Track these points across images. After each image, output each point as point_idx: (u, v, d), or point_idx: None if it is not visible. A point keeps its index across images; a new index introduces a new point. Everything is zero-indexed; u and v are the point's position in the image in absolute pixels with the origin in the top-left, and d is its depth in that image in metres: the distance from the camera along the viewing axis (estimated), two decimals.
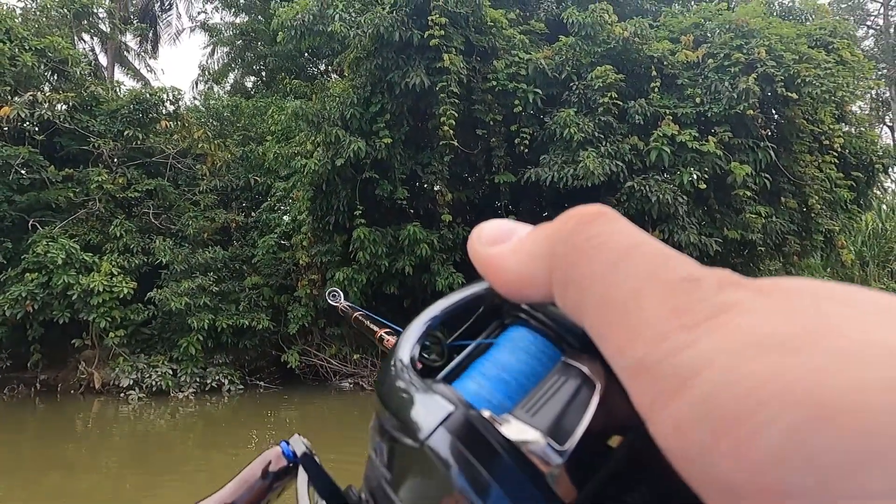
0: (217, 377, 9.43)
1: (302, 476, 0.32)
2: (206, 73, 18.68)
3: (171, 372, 9.21)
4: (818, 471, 0.13)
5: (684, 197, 7.50)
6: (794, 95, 7.50)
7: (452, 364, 0.26)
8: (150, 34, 17.15)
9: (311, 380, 10.23)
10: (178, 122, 11.29)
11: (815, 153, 8.57)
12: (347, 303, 1.46)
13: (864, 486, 0.13)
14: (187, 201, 11.02)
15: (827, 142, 8.54)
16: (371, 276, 8.75)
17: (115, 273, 9.12)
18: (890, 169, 9.24)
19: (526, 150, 8.49)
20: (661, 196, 7.38)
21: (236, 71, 17.95)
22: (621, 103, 7.96)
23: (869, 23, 27.96)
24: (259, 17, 15.64)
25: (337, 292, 1.55)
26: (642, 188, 7.49)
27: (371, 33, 7.72)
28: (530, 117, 8.48)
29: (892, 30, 26.68)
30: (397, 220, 8.84)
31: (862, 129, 9.75)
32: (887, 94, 24.72)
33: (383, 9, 7.80)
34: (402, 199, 8.71)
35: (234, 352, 9.94)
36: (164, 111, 11.11)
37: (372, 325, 1.22)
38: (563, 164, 7.82)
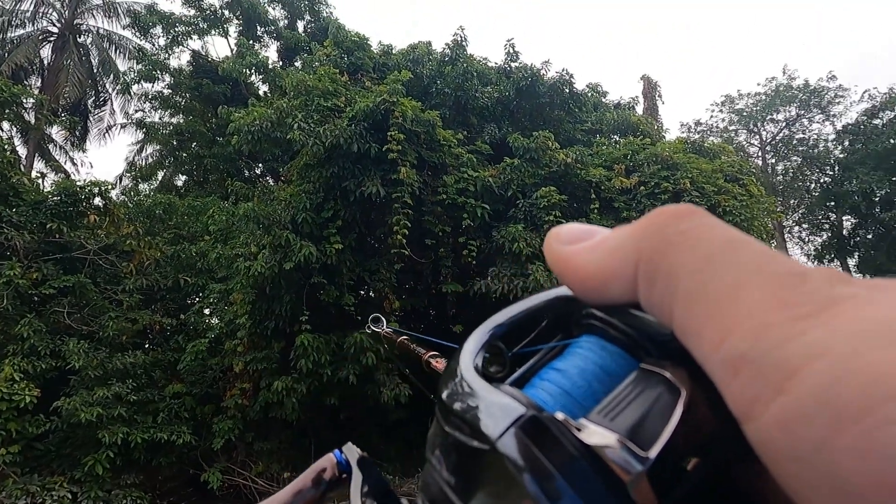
0: (124, 501, 8.30)
1: (356, 481, 0.30)
2: (134, 168, 18.18)
3: (70, 496, 8.00)
4: None
5: None
6: None
7: (519, 371, 0.24)
8: (79, 128, 16.66)
9: (232, 502, 9.22)
10: (107, 217, 10.75)
11: None
12: (390, 328, 1.41)
13: None
14: (108, 300, 10.23)
15: None
16: (311, 385, 8.31)
17: (17, 379, 8.10)
18: None
19: (473, 262, 8.71)
20: None
21: (168, 169, 17.61)
22: (564, 221, 8.45)
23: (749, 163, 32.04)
24: (198, 118, 15.70)
25: (379, 317, 1.50)
26: None
27: (329, 143, 7.92)
28: (478, 230, 8.80)
29: (769, 170, 30.57)
30: (342, 326, 8.60)
31: None
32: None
33: (342, 121, 8.09)
34: (349, 306, 8.55)
35: (146, 470, 8.87)
36: (92, 205, 10.58)
37: (418, 348, 1.16)
38: (512, 277, 8.06)
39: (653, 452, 0.18)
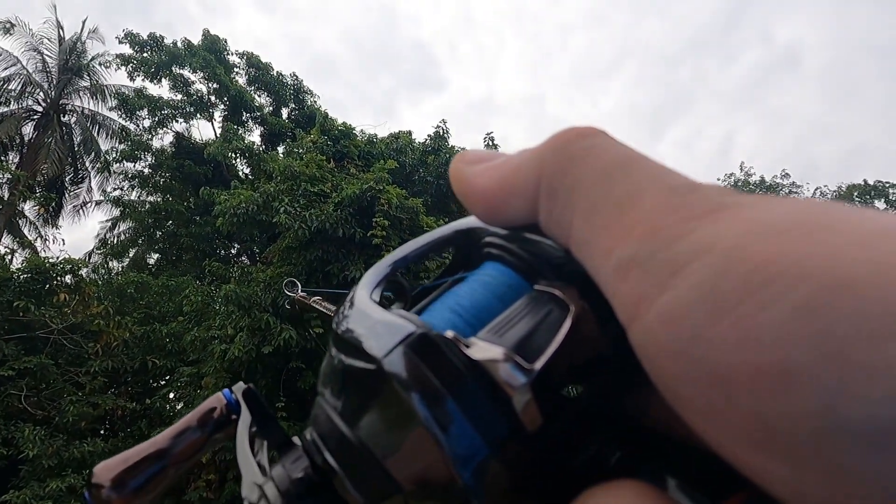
0: None
1: (244, 419, 0.29)
2: (105, 245, 17.90)
3: None
4: (831, 344, 0.12)
5: None
6: None
7: (419, 305, 0.24)
8: (53, 204, 16.49)
9: None
10: (77, 296, 10.45)
11: None
12: (304, 292, 1.39)
13: (886, 356, 0.12)
14: (69, 382, 9.75)
15: None
16: None
17: None
18: None
19: None
20: None
21: (140, 247, 17.39)
22: None
23: None
24: (177, 198, 15.75)
25: (295, 282, 1.46)
26: None
27: (315, 227, 8.01)
28: None
29: None
30: None
31: None
32: None
33: (329, 206, 8.23)
34: None
35: None
36: (63, 283, 10.31)
37: (331, 305, 1.13)
38: None
39: (538, 364, 0.18)
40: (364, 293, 0.24)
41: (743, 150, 62.71)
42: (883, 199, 30.08)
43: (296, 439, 0.25)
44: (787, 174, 33.00)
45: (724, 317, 0.14)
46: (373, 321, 0.21)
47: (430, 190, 10.57)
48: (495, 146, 11.66)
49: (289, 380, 8.11)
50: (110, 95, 15.64)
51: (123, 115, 14.99)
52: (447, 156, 10.58)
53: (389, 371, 0.19)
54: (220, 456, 8.28)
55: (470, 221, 0.26)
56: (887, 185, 30.18)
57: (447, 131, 11.17)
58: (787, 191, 32.53)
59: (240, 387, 0.33)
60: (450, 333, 0.19)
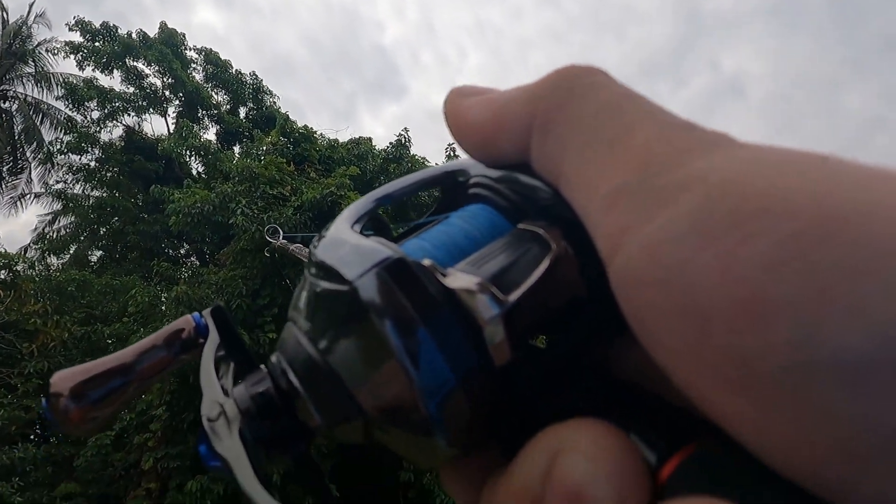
0: None
1: (211, 340, 0.29)
2: (43, 240, 17.02)
3: None
4: (816, 280, 0.12)
5: None
6: None
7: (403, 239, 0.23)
8: None
9: None
10: (12, 292, 9.90)
11: None
12: (284, 240, 1.37)
13: (869, 294, 0.12)
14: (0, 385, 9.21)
15: None
16: (229, 486, 7.67)
17: None
18: None
19: None
20: None
21: (82, 243, 16.62)
22: None
23: None
24: (124, 194, 15.17)
25: (277, 229, 1.45)
26: None
27: (273, 230, 7.87)
28: None
29: None
30: None
31: None
32: None
33: (288, 210, 8.11)
34: None
35: None
36: None
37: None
38: None
39: (512, 296, 0.18)
40: (344, 223, 0.23)
41: None
42: None
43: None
44: None
45: (709, 246, 0.14)
46: (349, 245, 0.21)
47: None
48: (456, 156, 11.75)
49: None
50: (57, 84, 14.95)
51: (70, 106, 14.34)
52: (408, 165, 10.61)
53: (362, 294, 0.18)
54: (163, 464, 7.98)
55: (459, 163, 0.26)
56: None
57: (409, 140, 11.20)
58: None
59: (209, 311, 0.32)
60: (427, 262, 0.19)
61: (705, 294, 0.13)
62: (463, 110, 0.23)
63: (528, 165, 0.21)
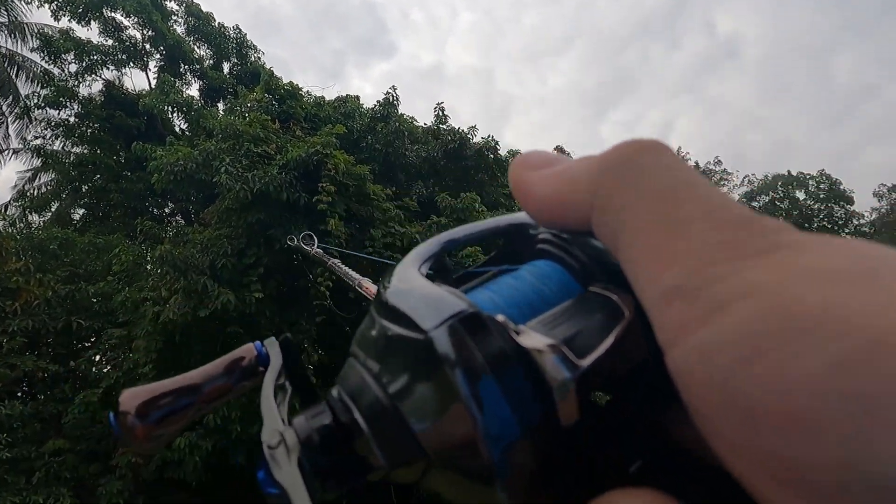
0: None
1: (273, 367, 0.30)
2: (24, 197, 16.70)
3: None
4: (862, 402, 0.12)
5: None
6: None
7: (463, 287, 0.24)
8: None
9: None
10: None
11: None
12: (320, 248, 1.35)
13: None
14: None
15: None
16: (218, 442, 7.77)
17: None
18: None
19: None
20: None
21: (64, 201, 16.33)
22: None
23: None
24: (106, 150, 14.83)
25: (311, 236, 1.45)
26: None
27: (258, 189, 7.76)
28: None
29: None
30: None
31: None
32: None
33: (273, 168, 7.98)
34: None
35: None
36: None
37: (351, 273, 1.17)
38: None
39: (585, 362, 0.18)
40: (413, 266, 0.24)
41: (681, 136, 65.06)
42: (803, 190, 32.04)
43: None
44: (719, 161, 34.50)
45: (759, 359, 0.14)
46: (423, 293, 0.21)
47: (378, 158, 10.42)
48: (445, 116, 11.59)
49: (225, 345, 7.91)
50: (32, 35, 14.40)
51: (46, 58, 13.86)
52: (396, 124, 10.44)
53: (437, 343, 0.19)
54: None
55: (525, 216, 0.26)
56: (808, 176, 32.12)
57: (397, 98, 10.99)
58: (717, 177, 34.06)
59: (272, 341, 0.33)
60: (500, 317, 0.19)
61: (755, 402, 0.14)
62: (529, 185, 0.23)
63: (592, 234, 0.22)
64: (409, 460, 0.21)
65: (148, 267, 8.98)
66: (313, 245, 1.40)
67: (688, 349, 0.16)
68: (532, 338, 0.19)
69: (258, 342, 0.38)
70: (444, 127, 11.46)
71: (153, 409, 0.36)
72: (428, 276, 0.24)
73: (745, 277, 0.16)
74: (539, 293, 0.22)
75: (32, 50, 14.00)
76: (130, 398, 0.36)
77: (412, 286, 0.22)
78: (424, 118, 12.19)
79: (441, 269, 0.27)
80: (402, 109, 11.30)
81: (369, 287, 1.14)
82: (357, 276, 1.18)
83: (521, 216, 0.27)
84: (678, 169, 0.20)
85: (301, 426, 0.23)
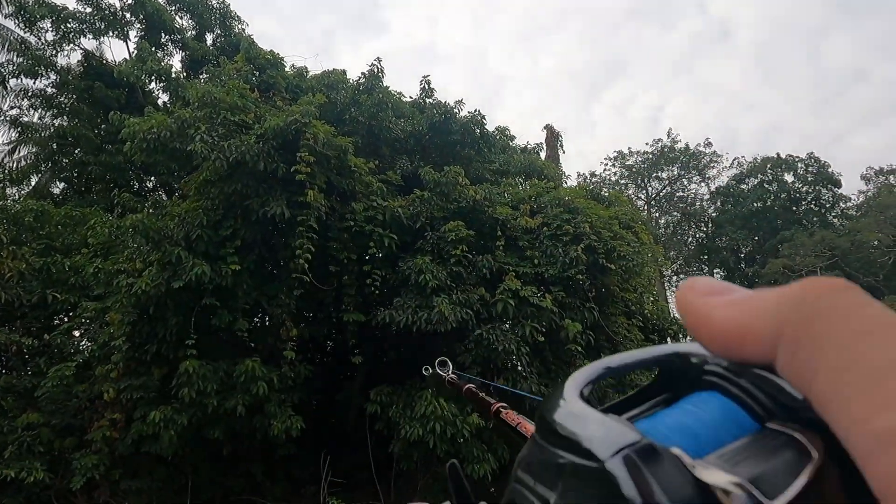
0: None
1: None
2: (3, 170, 16.32)
3: None
4: None
5: (526, 347, 8.02)
6: (612, 266, 8.78)
7: (626, 415, 0.24)
8: None
9: None
10: None
11: (626, 317, 9.93)
12: (456, 373, 1.37)
13: None
14: None
15: (635, 307, 10.02)
16: (194, 416, 7.65)
17: None
18: (679, 335, 10.95)
19: (377, 292, 8.56)
20: (506, 346, 7.80)
21: (44, 174, 15.98)
22: (471, 256, 8.57)
23: None
24: (85, 122, 14.48)
25: (446, 361, 1.43)
26: (489, 336, 7.88)
27: (234, 159, 7.55)
28: (384, 260, 8.69)
29: (653, 223, 33.03)
30: (233, 353, 8.06)
31: (657, 299, 11.67)
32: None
33: (250, 138, 7.76)
34: (242, 332, 8.06)
35: None
36: None
37: (487, 398, 1.14)
38: (416, 309, 7.98)
39: (779, 501, 0.17)
40: (575, 388, 0.24)
41: (672, 117, 64.83)
42: (792, 173, 32.06)
43: None
44: (709, 143, 34.46)
45: None
46: (593, 421, 0.21)
47: (362, 131, 10.19)
48: (431, 90, 11.35)
49: (200, 317, 7.76)
50: (6, 1, 13.94)
51: (22, 26, 13.43)
52: (380, 96, 10.20)
53: (613, 473, 0.19)
54: (126, 395, 7.92)
55: (692, 347, 0.25)
56: (797, 159, 32.14)
57: (382, 70, 10.73)
58: (707, 159, 33.97)
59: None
60: (676, 450, 0.19)
61: None
62: (706, 312, 0.23)
63: (772, 368, 0.22)
64: None
65: (124, 240, 8.76)
66: (448, 370, 1.34)
67: None
68: (713, 474, 0.18)
69: None
70: (430, 101, 11.24)
71: None
72: (587, 403, 0.23)
73: None
74: (709, 428, 0.21)
75: (7, 16, 13.55)
76: None
77: (579, 414, 0.22)
78: (411, 93, 11.95)
79: (592, 396, 0.25)
80: (392, 88, 11.05)
81: (510, 413, 1.09)
82: (494, 400, 1.12)
83: (686, 346, 0.25)
84: (873, 306, 0.19)
85: None
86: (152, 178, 14.82)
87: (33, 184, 16.05)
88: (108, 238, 9.51)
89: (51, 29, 13.50)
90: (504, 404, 1.13)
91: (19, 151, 16.34)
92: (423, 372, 1.50)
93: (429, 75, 11.53)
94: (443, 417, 7.50)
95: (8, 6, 13.64)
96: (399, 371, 8.45)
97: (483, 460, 7.70)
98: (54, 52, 13.71)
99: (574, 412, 0.22)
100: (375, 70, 10.79)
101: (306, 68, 11.37)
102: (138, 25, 14.45)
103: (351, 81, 10.97)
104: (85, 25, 13.54)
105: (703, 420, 0.21)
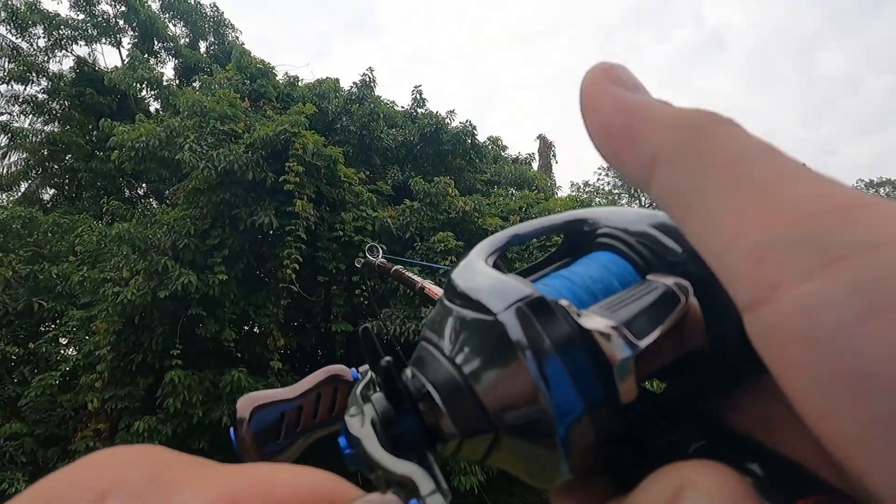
0: None
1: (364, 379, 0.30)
2: None
3: None
4: None
5: None
6: None
7: (532, 276, 0.26)
8: None
9: None
10: None
11: None
12: (385, 257, 1.43)
13: None
14: None
15: None
16: (178, 427, 7.58)
17: None
18: None
19: (366, 302, 8.52)
20: None
21: (34, 180, 15.89)
22: None
23: None
24: (76, 129, 14.44)
25: (375, 247, 1.49)
26: None
27: (222, 168, 7.53)
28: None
29: None
30: (219, 363, 8.00)
31: None
32: None
33: (239, 147, 7.74)
34: (229, 342, 7.99)
35: None
36: None
37: (413, 277, 1.17)
38: (405, 319, 7.95)
39: (644, 342, 0.19)
40: (480, 257, 0.25)
41: None
42: None
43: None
44: None
45: (876, 316, 0.13)
46: (492, 280, 0.23)
47: (353, 140, 10.20)
48: (423, 99, 11.39)
49: (187, 327, 7.71)
50: None
51: (14, 32, 13.40)
52: (371, 105, 10.22)
53: (506, 325, 0.20)
54: (111, 405, 7.85)
55: (588, 213, 0.27)
56: None
57: (373, 80, 10.76)
58: None
59: (365, 370, 0.32)
60: (564, 302, 0.21)
61: (869, 362, 0.13)
62: (606, 100, 0.21)
63: (661, 225, 0.23)
64: (478, 432, 0.22)
65: (111, 248, 8.71)
66: (377, 255, 1.43)
67: (785, 306, 0.15)
68: (593, 320, 0.20)
69: (354, 370, 0.44)
70: (422, 111, 11.27)
71: (258, 413, 0.41)
72: (495, 267, 0.25)
73: (859, 231, 0.15)
74: (599, 282, 0.23)
75: None
76: (245, 403, 0.41)
77: (481, 274, 0.24)
78: (408, 102, 11.97)
79: (498, 265, 0.27)
80: (387, 94, 11.13)
81: (432, 288, 1.18)
82: (420, 279, 1.21)
83: (584, 213, 0.28)
84: (757, 139, 0.19)
85: (378, 401, 0.25)
86: (143, 186, 14.76)
87: (23, 190, 15.98)
88: (95, 246, 9.46)
89: (43, 35, 13.48)
90: (430, 282, 1.23)
91: (9, 157, 16.27)
92: (356, 265, 1.44)
93: (420, 85, 11.63)
94: None
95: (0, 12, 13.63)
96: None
97: (470, 472, 7.65)
98: (46, 58, 13.69)
99: (475, 273, 0.24)
100: (367, 80, 10.82)
101: (297, 77, 11.37)
102: (131, 33, 14.45)
103: (343, 90, 10.99)
104: (77, 32, 13.52)
105: (591, 275, 0.23)
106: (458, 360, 0.22)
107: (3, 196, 15.47)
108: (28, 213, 11.25)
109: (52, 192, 15.88)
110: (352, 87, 10.78)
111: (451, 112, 11.07)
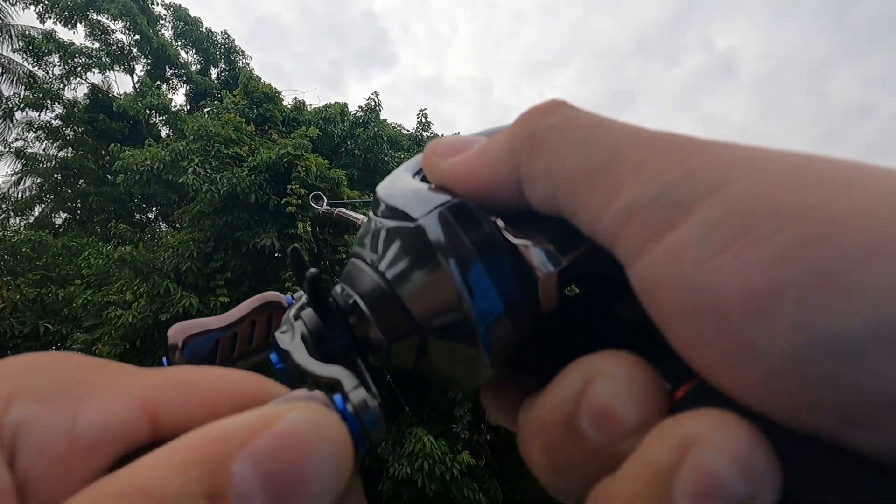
0: None
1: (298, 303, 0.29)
2: (7, 201, 16.50)
3: None
4: (817, 272, 0.14)
5: None
6: None
7: None
8: None
9: None
10: None
11: None
12: (331, 203, 1.48)
13: (861, 281, 0.13)
14: None
15: None
16: None
17: None
18: None
19: None
20: None
21: (47, 205, 16.13)
22: None
23: None
24: (88, 154, 14.68)
25: (321, 195, 1.52)
26: None
27: (226, 191, 7.57)
28: None
29: None
30: None
31: None
32: None
33: (242, 171, 7.79)
34: None
35: None
36: None
37: (356, 215, 1.22)
38: None
39: (566, 260, 0.20)
40: (406, 173, 0.26)
41: None
42: None
43: None
44: None
45: (725, 249, 0.15)
46: (415, 189, 0.23)
47: (357, 163, 10.25)
48: (428, 123, 11.45)
49: None
50: (16, 37, 14.29)
51: (31, 60, 13.74)
52: (375, 129, 10.27)
53: (426, 229, 0.21)
54: None
55: None
56: None
57: (379, 104, 10.84)
58: None
59: (299, 295, 0.33)
60: (497, 219, 0.21)
61: (721, 291, 0.15)
62: (450, 172, 0.23)
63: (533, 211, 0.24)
64: (404, 336, 0.22)
65: (115, 271, 8.74)
66: (322, 203, 1.49)
67: (654, 256, 0.17)
68: (518, 238, 0.20)
69: (289, 296, 0.48)
70: (428, 134, 11.32)
71: (191, 340, 0.43)
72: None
73: (705, 178, 0.16)
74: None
75: (15, 51, 13.87)
76: (176, 331, 0.43)
77: (405, 186, 0.24)
78: (409, 125, 12.07)
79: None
80: (398, 120, 11.27)
81: None
82: (362, 216, 1.23)
83: None
84: (584, 115, 0.20)
85: (308, 315, 0.25)
86: (154, 210, 14.92)
87: (36, 214, 16.20)
88: (100, 269, 9.50)
89: (58, 63, 13.79)
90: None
91: (24, 182, 16.54)
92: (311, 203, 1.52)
93: (425, 109, 11.67)
94: (431, 455, 7.31)
95: (17, 41, 13.99)
96: (389, 404, 8.28)
97: (474, 501, 7.46)
98: (62, 85, 13.98)
99: (398, 186, 0.24)
100: (373, 104, 10.90)
101: (304, 102, 11.49)
102: (144, 60, 14.75)
103: (350, 114, 11.08)
104: (92, 60, 13.82)
105: None
106: (382, 267, 0.22)
107: (17, 220, 15.70)
108: (38, 236, 11.37)
109: (64, 216, 16.10)
110: (357, 111, 10.87)
111: (457, 134, 11.10)
